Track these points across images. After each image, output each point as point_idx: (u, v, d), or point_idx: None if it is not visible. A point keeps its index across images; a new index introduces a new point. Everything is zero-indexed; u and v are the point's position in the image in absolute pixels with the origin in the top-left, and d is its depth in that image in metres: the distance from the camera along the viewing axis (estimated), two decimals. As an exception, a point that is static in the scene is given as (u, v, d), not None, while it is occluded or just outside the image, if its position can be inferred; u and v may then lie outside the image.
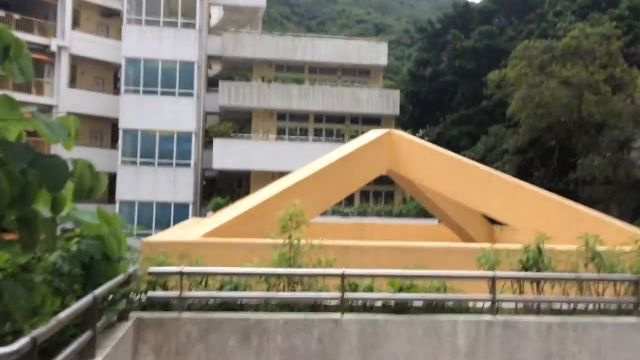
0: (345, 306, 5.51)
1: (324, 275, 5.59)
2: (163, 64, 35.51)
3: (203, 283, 5.58)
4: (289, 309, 5.53)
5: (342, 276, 5.36)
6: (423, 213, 32.59)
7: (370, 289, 5.66)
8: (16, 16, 33.45)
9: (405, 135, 16.99)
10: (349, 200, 36.50)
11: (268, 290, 5.62)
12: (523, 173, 25.25)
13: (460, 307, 5.69)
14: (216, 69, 44.57)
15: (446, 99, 43.23)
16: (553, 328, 5.56)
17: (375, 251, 10.97)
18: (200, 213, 35.17)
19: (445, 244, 12.61)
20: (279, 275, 5.56)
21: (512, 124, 31.25)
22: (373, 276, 5.69)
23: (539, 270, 5.89)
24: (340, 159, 15.33)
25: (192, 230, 12.82)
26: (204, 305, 5.45)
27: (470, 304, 5.68)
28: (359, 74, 42.78)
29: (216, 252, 10.12)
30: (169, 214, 35.05)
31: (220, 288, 5.52)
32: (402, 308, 5.56)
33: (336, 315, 5.38)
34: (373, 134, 16.68)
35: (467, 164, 16.02)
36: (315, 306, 5.60)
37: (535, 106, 25.88)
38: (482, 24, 42.82)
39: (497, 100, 32.71)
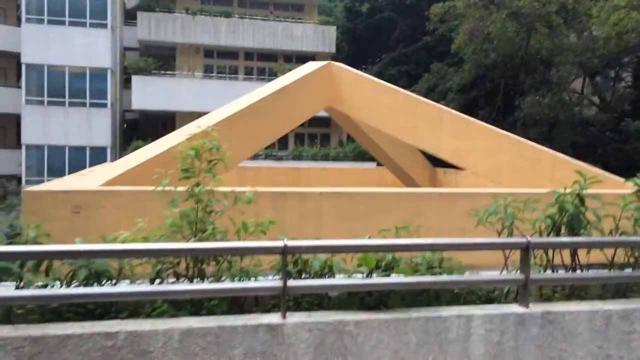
0: (289, 302, 3.26)
1: (252, 252, 3.26)
2: (70, -12, 31.22)
3: (53, 270, 3.21)
4: (192, 309, 3.24)
5: (284, 251, 3.07)
6: (361, 156, 30.97)
7: (329, 271, 3.45)
8: None
9: (348, 68, 14.94)
10: (283, 143, 34.29)
11: (156, 278, 3.32)
12: (467, 112, 23.64)
13: (467, 294, 3.61)
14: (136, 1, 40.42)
15: (384, 37, 40.96)
16: (613, 320, 3.59)
17: (318, 198, 8.96)
18: (121, 158, 32.03)
19: (415, 190, 10.62)
20: (176, 253, 3.21)
21: (455, 62, 29.53)
22: (332, 250, 3.42)
23: (572, 229, 3.90)
24: (275, 93, 13.23)
25: (94, 177, 10.27)
26: (41, 310, 3.10)
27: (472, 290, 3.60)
28: (292, 8, 39.90)
29: (121, 204, 7.77)
30: (84, 159, 31.72)
31: (72, 278, 3.18)
32: (381, 300, 3.38)
33: (274, 318, 3.15)
34: (311, 66, 14.64)
35: (416, 99, 14.34)
36: (237, 303, 3.34)
37: (482, 41, 24.17)
38: (423, -44, 40.36)
39: (439, 36, 30.86)
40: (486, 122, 22.94)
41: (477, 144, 13.43)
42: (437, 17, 27.55)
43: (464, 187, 17.85)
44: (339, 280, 3.28)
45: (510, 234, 3.79)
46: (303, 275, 3.39)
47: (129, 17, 36.48)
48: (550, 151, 12.70)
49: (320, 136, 37.50)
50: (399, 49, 39.09)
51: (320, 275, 3.39)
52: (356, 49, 42.87)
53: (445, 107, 14.77)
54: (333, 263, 3.40)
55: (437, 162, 17.96)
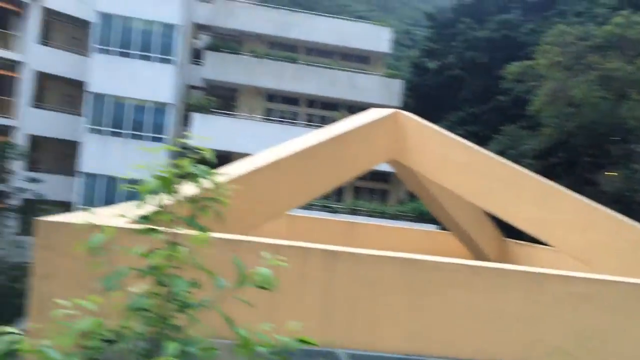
0: None
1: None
2: (140, 23, 31.41)
3: None
4: None
5: None
6: (422, 217, 28.91)
7: None
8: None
9: (416, 118, 13.31)
10: (339, 195, 32.75)
11: None
12: (542, 181, 21.54)
13: None
14: (205, 41, 40.79)
15: (452, 95, 39.51)
16: None
17: (379, 262, 7.16)
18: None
19: (493, 265, 8.51)
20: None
21: (530, 125, 27.52)
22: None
23: None
24: (334, 138, 11.66)
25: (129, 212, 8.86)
26: None
27: None
28: (357, 59, 39.00)
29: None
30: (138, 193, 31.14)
31: None
32: None
33: None
34: (375, 113, 13.08)
35: (491, 158, 12.44)
36: None
37: (565, 104, 22.17)
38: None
39: (513, 97, 29.07)
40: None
41: (563, 215, 11.34)
42: (513, 77, 25.83)
43: (541, 265, 15.65)
44: None
45: None
46: None
47: (198, 56, 36.60)
48: (654, 231, 10.55)
49: (379, 192, 35.80)
50: (467, 108, 37.49)
51: None
52: (422, 106, 41.51)
53: (525, 170, 12.91)
54: None
55: (507, 232, 15.92)
